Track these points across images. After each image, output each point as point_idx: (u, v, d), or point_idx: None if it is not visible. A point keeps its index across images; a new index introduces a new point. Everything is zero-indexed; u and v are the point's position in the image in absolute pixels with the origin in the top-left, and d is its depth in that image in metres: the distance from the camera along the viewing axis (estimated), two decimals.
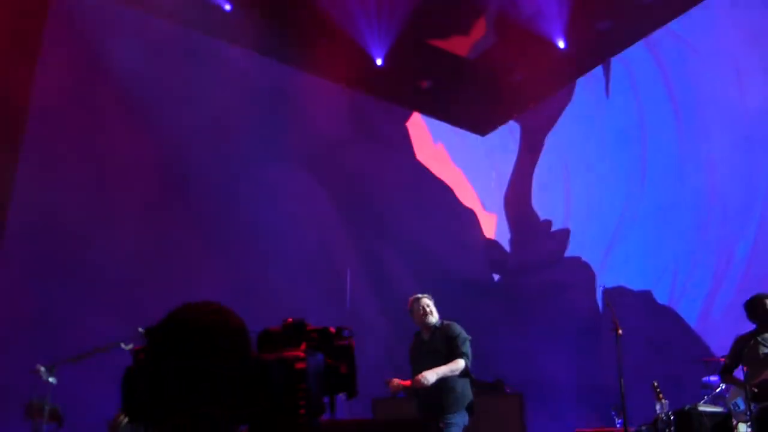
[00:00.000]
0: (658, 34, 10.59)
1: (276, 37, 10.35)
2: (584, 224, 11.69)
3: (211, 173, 9.91)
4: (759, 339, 6.23)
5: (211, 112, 9.84)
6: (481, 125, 13.15)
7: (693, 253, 9.68)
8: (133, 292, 8.76)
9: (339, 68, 11.16)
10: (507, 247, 13.10)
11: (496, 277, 12.92)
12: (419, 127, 12.91)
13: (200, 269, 9.47)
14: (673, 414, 6.87)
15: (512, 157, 13.30)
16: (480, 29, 10.77)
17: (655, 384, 7.09)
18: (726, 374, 6.53)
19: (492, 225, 13.25)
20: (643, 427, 7.10)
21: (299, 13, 10.09)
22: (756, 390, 6.00)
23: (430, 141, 12.99)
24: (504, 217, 13.24)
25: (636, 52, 10.94)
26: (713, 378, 7.59)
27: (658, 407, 6.89)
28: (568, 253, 11.85)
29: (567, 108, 12.21)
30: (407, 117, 12.81)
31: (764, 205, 8.99)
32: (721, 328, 9.04)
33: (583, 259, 11.59)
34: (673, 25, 10.36)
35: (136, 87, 9.25)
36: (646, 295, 10.10)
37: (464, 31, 10.80)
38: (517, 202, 13.05)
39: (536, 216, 12.75)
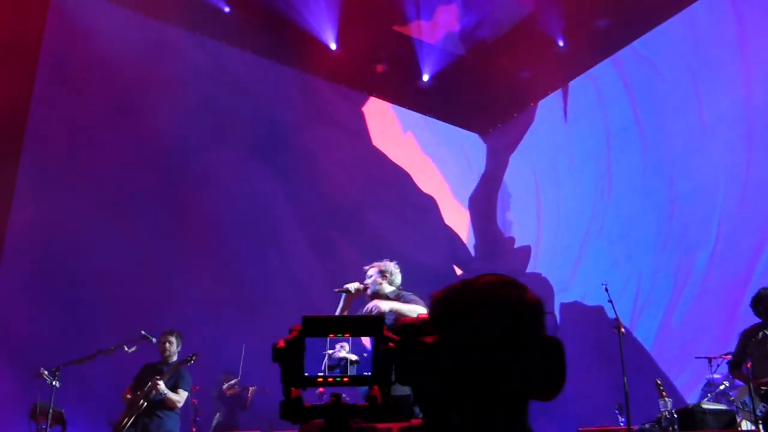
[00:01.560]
0: (623, 53, 10.82)
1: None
2: (554, 238, 11.87)
3: (167, 162, 9.91)
4: (767, 333, 6.17)
5: (164, 99, 9.82)
6: (481, 124, 13.16)
7: (656, 265, 9.85)
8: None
9: (337, 69, 11.19)
10: (472, 251, 13.15)
11: (458, 270, 12.91)
12: (385, 115, 12.76)
13: (166, 261, 9.50)
14: (676, 412, 6.85)
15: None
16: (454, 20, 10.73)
17: (658, 382, 7.07)
18: (735, 370, 6.49)
19: (464, 221, 13.23)
20: (647, 425, 7.08)
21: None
22: (764, 389, 5.96)
23: (398, 129, 12.86)
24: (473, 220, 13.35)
25: (603, 69, 11.17)
26: (717, 376, 7.57)
27: (661, 405, 6.87)
28: (536, 267, 12.00)
29: (538, 124, 12.36)
30: (363, 102, 12.58)
31: (722, 217, 9.19)
32: (679, 337, 9.19)
33: (543, 274, 11.78)
34: (637, 44, 10.62)
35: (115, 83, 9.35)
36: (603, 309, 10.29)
37: (463, 28, 10.78)
38: (480, 219, 13.16)
39: (501, 233, 12.91)
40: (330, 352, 1.47)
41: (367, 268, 5.37)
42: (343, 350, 1.41)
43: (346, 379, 1.43)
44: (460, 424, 1.25)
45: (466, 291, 1.29)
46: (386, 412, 1.38)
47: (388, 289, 5.25)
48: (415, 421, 1.36)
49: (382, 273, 5.28)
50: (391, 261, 5.40)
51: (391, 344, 1.36)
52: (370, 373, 1.41)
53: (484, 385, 1.22)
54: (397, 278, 5.34)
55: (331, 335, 1.42)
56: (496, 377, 1.22)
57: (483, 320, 1.25)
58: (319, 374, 1.41)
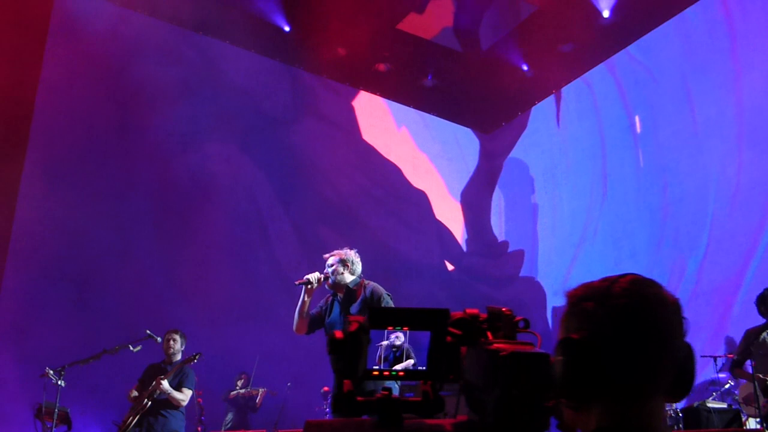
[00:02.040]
0: (617, 58, 10.88)
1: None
2: (549, 240, 11.97)
3: (151, 155, 9.90)
4: None
5: (145, 90, 9.82)
6: (484, 123, 13.14)
7: (649, 268, 9.89)
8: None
9: (341, 67, 11.21)
10: (465, 248, 13.14)
11: (450, 266, 12.93)
12: (382, 112, 12.70)
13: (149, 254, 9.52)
14: (681, 411, 6.85)
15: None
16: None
17: None
18: (737, 368, 6.50)
19: (459, 218, 13.21)
20: None
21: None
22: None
23: (395, 125, 12.80)
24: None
25: (603, 72, 11.24)
26: (722, 375, 7.56)
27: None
28: (531, 269, 12.04)
29: (536, 125, 12.37)
30: (364, 99, 12.51)
31: (714, 220, 9.26)
32: None
33: (536, 277, 11.88)
34: (631, 48, 10.70)
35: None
36: None
37: (467, 27, 10.75)
38: (475, 218, 13.19)
39: (495, 233, 12.99)
40: (385, 343, 1.42)
41: (327, 256, 5.14)
42: (398, 340, 1.35)
43: (401, 373, 1.40)
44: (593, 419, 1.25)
45: (615, 288, 1.29)
46: (439, 407, 1.36)
47: (349, 278, 5.05)
48: (460, 417, 1.33)
49: (343, 262, 5.06)
50: (351, 249, 5.18)
51: (448, 338, 1.33)
52: (425, 368, 1.36)
53: (626, 382, 1.23)
54: (358, 267, 5.11)
55: (389, 327, 1.37)
56: (640, 374, 1.23)
57: (635, 317, 1.25)
58: (375, 367, 1.37)
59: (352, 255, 5.12)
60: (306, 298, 5.00)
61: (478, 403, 1.24)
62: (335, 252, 5.12)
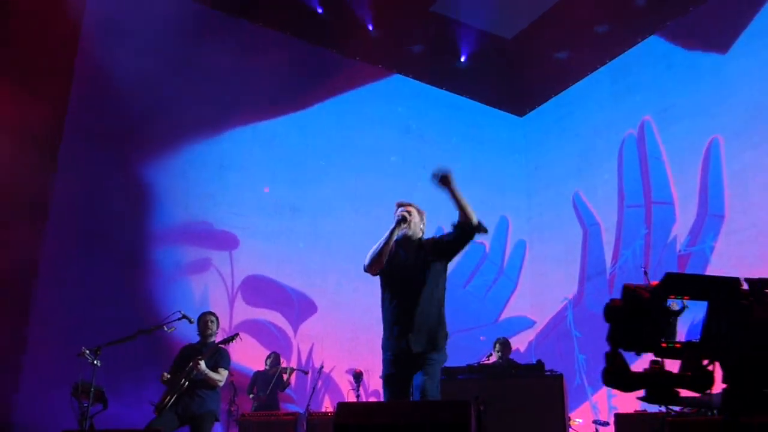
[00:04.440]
0: (663, 34, 10.66)
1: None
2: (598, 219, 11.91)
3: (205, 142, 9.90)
4: None
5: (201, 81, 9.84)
6: (518, 105, 12.98)
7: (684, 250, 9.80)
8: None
9: (372, 49, 11.14)
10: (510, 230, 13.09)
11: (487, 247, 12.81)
12: (418, 94, 12.43)
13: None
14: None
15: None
16: None
17: None
18: None
19: (499, 202, 13.10)
20: (686, 410, 6.99)
21: None
22: None
23: (432, 107, 12.54)
24: None
25: (641, 51, 11.03)
26: None
27: None
28: (573, 249, 11.99)
29: (575, 106, 12.21)
30: (400, 82, 12.22)
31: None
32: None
33: (578, 257, 11.81)
34: (675, 24, 10.49)
35: None
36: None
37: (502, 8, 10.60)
38: (517, 200, 13.13)
39: (538, 214, 12.99)
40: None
41: (404, 203, 4.69)
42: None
43: (677, 345, 1.34)
44: None
45: None
46: (709, 383, 1.27)
47: (419, 234, 4.69)
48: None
49: (420, 216, 4.71)
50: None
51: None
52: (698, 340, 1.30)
53: None
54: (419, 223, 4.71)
55: (672, 296, 1.28)
56: None
57: None
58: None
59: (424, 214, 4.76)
60: (395, 235, 4.51)
61: (744, 377, 1.14)
62: (412, 203, 4.71)
